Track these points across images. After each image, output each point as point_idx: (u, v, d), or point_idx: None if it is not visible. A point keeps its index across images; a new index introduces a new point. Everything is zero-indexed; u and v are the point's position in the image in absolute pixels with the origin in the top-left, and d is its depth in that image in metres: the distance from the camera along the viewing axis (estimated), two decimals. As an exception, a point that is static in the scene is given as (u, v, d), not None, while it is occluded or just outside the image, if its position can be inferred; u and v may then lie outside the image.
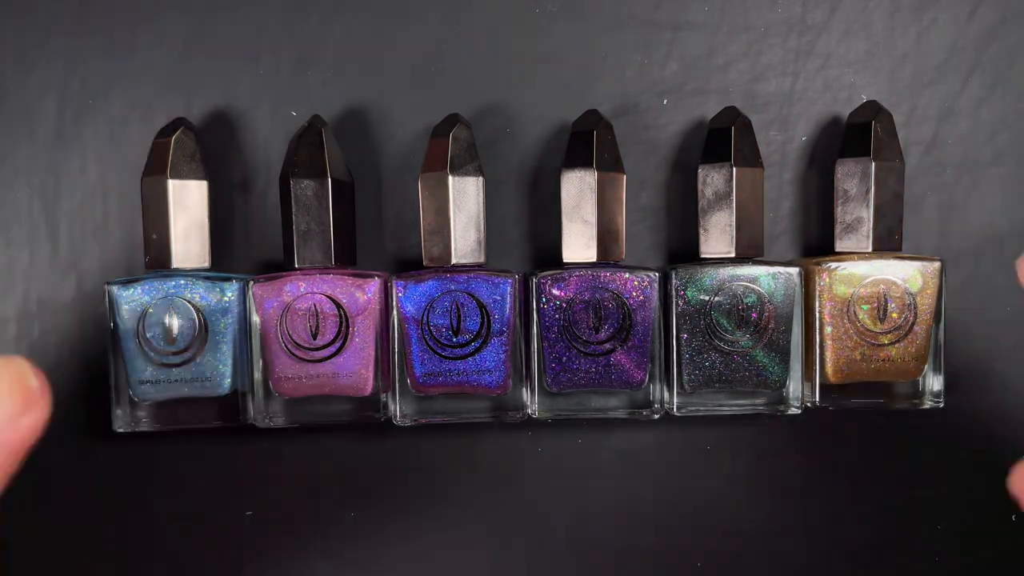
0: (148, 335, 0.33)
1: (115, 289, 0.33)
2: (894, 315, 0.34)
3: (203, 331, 0.33)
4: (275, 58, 0.37)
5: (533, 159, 0.37)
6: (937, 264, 0.34)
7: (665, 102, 0.37)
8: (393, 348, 0.34)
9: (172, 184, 0.33)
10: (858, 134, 0.34)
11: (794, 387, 0.34)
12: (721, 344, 0.34)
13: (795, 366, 0.34)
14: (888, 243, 0.34)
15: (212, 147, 0.36)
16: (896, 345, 0.34)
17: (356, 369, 0.34)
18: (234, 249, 0.37)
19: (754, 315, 0.34)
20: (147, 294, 0.33)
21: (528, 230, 0.37)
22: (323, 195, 0.33)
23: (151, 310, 0.33)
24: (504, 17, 0.37)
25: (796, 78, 0.37)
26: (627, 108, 0.37)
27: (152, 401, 0.34)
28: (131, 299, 0.33)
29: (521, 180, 0.37)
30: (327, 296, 0.33)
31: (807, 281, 0.34)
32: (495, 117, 0.37)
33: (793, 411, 0.35)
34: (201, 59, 0.36)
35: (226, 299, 0.34)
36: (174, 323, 0.33)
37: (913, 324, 0.34)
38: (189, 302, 0.33)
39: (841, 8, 0.37)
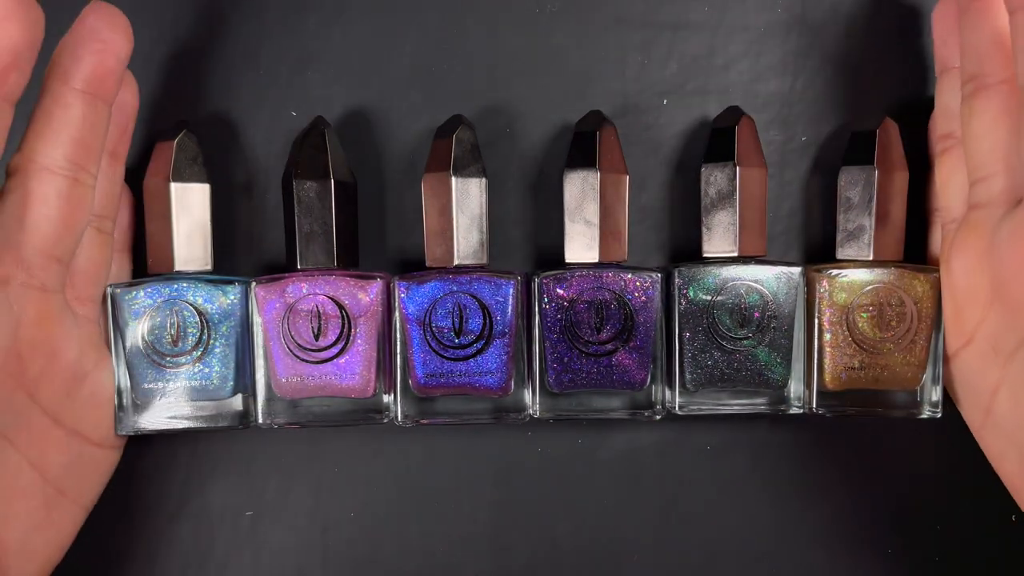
0: (149, 338, 0.33)
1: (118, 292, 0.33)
2: (893, 323, 0.34)
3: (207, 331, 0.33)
4: (276, 59, 0.36)
5: (535, 160, 0.37)
6: (937, 273, 0.34)
7: (665, 102, 0.37)
8: (395, 349, 0.34)
9: (174, 187, 0.33)
10: (862, 142, 0.34)
11: (796, 387, 0.35)
12: (724, 343, 0.34)
13: (797, 366, 0.34)
14: (889, 251, 0.34)
15: (213, 149, 0.36)
16: (895, 353, 0.34)
17: (358, 370, 0.34)
18: (236, 251, 0.37)
19: (756, 314, 0.34)
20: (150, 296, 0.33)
21: (530, 231, 0.37)
22: (325, 196, 0.33)
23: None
24: (504, 17, 0.37)
25: (796, 78, 0.37)
26: (627, 108, 0.37)
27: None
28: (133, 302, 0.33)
29: (523, 181, 0.37)
30: (329, 297, 0.33)
31: (807, 288, 0.34)
32: (496, 117, 0.37)
33: (795, 410, 0.35)
34: (201, 60, 0.36)
35: (229, 301, 0.34)
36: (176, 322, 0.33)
37: (913, 333, 0.34)
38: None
39: (841, 8, 0.37)
